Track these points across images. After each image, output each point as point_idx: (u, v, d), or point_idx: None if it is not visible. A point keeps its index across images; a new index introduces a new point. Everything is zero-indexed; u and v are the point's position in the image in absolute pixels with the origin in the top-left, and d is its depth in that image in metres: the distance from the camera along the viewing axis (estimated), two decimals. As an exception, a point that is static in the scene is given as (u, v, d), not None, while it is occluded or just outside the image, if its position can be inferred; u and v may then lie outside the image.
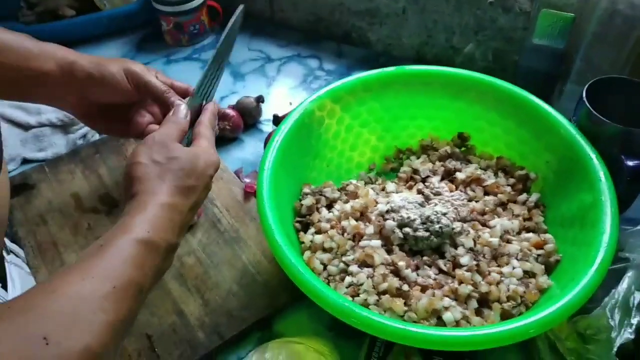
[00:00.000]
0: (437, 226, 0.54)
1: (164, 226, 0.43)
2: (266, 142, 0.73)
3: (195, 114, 0.55)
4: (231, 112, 0.76)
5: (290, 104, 0.84)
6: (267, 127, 0.81)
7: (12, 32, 0.55)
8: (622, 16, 0.65)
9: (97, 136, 0.79)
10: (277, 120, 0.76)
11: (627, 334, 0.48)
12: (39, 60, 0.54)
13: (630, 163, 0.56)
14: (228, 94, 0.87)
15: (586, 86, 0.60)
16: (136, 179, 0.45)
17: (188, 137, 0.53)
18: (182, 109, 0.53)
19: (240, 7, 0.61)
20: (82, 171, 0.73)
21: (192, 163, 0.48)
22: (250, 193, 0.68)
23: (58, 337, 0.33)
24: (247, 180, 0.69)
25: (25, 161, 0.76)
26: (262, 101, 0.80)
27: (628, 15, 0.64)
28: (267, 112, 0.82)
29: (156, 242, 0.42)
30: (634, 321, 0.49)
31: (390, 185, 0.64)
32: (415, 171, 0.66)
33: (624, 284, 0.52)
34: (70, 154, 0.75)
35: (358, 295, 0.52)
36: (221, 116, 0.76)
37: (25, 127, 0.80)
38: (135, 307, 0.40)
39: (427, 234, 0.54)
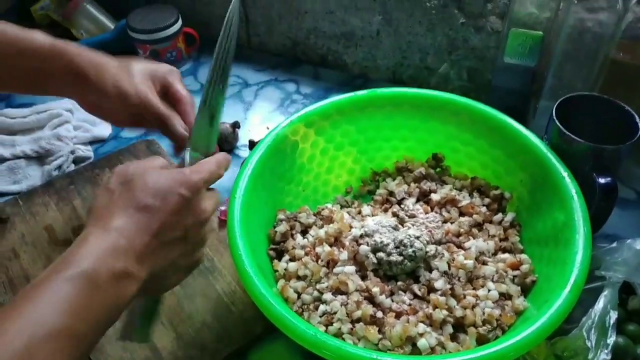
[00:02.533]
0: (410, 250, 0.53)
1: (110, 252, 0.38)
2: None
3: (207, 124, 0.52)
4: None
5: (268, 128, 0.83)
6: (244, 152, 0.81)
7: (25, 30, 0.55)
8: (590, 33, 0.66)
9: (72, 166, 0.79)
10: (252, 145, 0.75)
11: (604, 355, 0.48)
12: (51, 61, 0.54)
13: (601, 180, 0.56)
14: (205, 120, 0.86)
15: (555, 104, 0.61)
16: (89, 212, 0.42)
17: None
18: (185, 156, 0.48)
19: None
20: (56, 203, 0.72)
21: (151, 181, 0.41)
22: (225, 221, 0.67)
23: None
24: (223, 207, 0.69)
25: (-1, 194, 0.75)
26: (239, 127, 0.80)
27: (596, 33, 0.65)
28: (245, 137, 0.82)
29: (94, 272, 0.37)
30: (610, 341, 0.49)
31: (366, 209, 0.64)
32: (391, 193, 0.66)
33: (600, 304, 0.52)
34: (45, 186, 0.74)
35: (332, 324, 0.51)
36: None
37: (0, 160, 0.79)
38: (72, 355, 0.34)
39: (400, 258, 0.53)
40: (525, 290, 0.54)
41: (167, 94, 0.58)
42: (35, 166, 0.79)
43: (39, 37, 0.55)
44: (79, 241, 0.39)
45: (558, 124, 0.58)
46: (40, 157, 0.80)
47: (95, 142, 0.83)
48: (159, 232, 0.41)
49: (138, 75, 0.56)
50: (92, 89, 0.55)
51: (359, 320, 0.50)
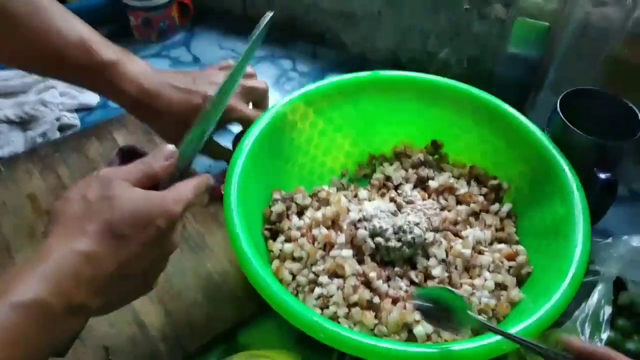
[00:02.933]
0: (409, 236, 0.52)
1: (69, 281, 0.34)
2: (234, 143, 0.71)
3: (196, 149, 0.49)
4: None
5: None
6: (236, 127, 0.78)
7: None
8: (595, 28, 0.65)
9: (57, 134, 0.76)
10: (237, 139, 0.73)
11: (598, 349, 0.48)
12: (118, 81, 0.56)
13: (602, 176, 0.56)
14: (197, 93, 0.84)
15: (560, 97, 0.60)
16: (53, 216, 0.37)
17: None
18: (165, 150, 0.43)
19: (268, 16, 0.56)
20: (40, 171, 0.69)
21: (131, 206, 0.37)
22: (216, 197, 0.65)
23: None
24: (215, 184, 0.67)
25: (-22, 159, 0.72)
26: (233, 102, 0.77)
27: (601, 28, 0.65)
28: (238, 113, 0.80)
29: (47, 302, 0.33)
30: (604, 336, 0.49)
31: (363, 193, 0.63)
32: (388, 178, 0.65)
33: (594, 298, 0.52)
34: (28, 153, 0.71)
35: (328, 307, 0.50)
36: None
37: (-19, 123, 0.75)
38: None
39: (399, 244, 0.52)
40: (520, 282, 0.54)
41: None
42: (18, 132, 0.76)
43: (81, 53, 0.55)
44: (38, 255, 0.35)
45: (562, 117, 0.58)
46: (23, 123, 0.76)
47: (82, 109, 0.80)
48: (125, 263, 0.37)
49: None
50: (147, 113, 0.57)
51: (355, 304, 0.50)
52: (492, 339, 0.43)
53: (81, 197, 0.37)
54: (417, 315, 0.48)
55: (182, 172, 0.46)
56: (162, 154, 0.43)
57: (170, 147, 0.44)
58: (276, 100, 0.63)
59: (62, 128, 0.76)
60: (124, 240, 0.37)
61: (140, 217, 0.37)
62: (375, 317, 0.49)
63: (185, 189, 0.42)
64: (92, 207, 0.37)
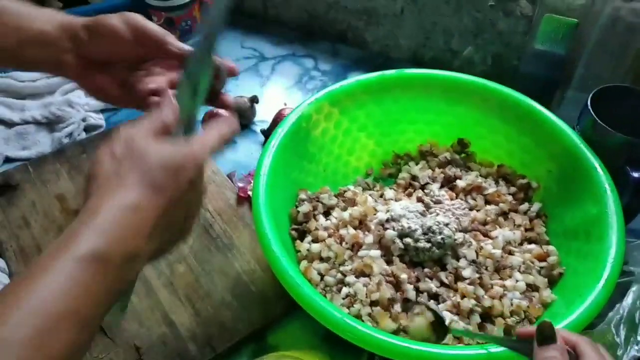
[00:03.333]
0: (439, 237, 0.52)
1: (122, 231, 0.36)
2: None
3: (190, 99, 0.47)
4: (224, 113, 0.74)
5: (285, 104, 0.81)
6: (261, 127, 0.78)
7: None
8: (625, 23, 0.64)
9: (83, 134, 0.76)
10: (267, 134, 0.73)
11: (634, 352, 0.47)
12: (38, 22, 0.50)
13: (635, 174, 0.55)
14: (221, 93, 0.84)
15: (591, 94, 0.59)
16: (91, 178, 0.39)
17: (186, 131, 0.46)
18: (168, 104, 0.44)
19: None
20: (67, 171, 0.70)
21: (162, 157, 0.40)
22: (243, 198, 0.65)
23: None
24: (240, 184, 0.67)
25: (7, 160, 0.73)
26: (257, 101, 0.78)
27: (631, 23, 0.63)
28: (261, 112, 0.80)
29: (107, 253, 0.35)
30: (641, 338, 0.48)
31: (389, 192, 0.62)
32: (414, 177, 0.65)
33: (628, 299, 0.51)
34: (56, 153, 0.72)
35: (353, 306, 0.50)
36: (214, 116, 0.73)
37: (9, 124, 0.76)
38: (82, 339, 0.34)
39: (428, 245, 0.52)
40: (552, 283, 0.53)
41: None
42: (44, 132, 0.77)
43: (45, 25, 0.51)
44: (87, 213, 0.36)
45: (593, 114, 0.57)
46: (50, 123, 0.77)
47: (108, 110, 0.81)
48: (166, 211, 0.39)
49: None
50: (96, 35, 0.50)
51: (377, 302, 0.49)
52: (526, 341, 0.42)
53: (111, 157, 0.39)
54: (449, 317, 0.48)
55: (185, 127, 0.46)
56: (167, 108, 0.44)
57: (171, 99, 0.45)
58: (299, 99, 0.63)
59: (88, 129, 0.77)
60: (161, 189, 0.39)
61: (171, 168, 0.39)
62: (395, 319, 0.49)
63: (209, 136, 0.44)
64: (124, 164, 0.38)
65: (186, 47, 0.50)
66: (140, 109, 0.50)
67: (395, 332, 0.48)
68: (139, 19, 0.51)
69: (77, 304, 0.33)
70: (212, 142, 0.44)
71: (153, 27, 0.51)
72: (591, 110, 0.57)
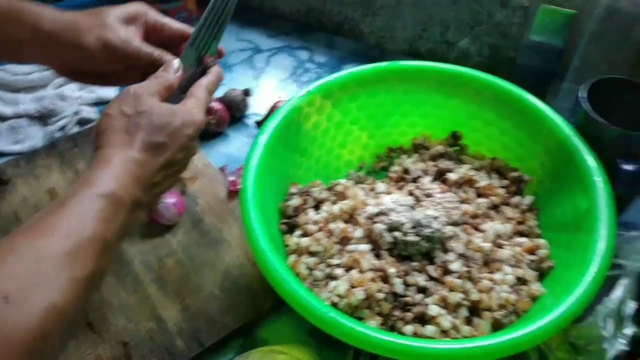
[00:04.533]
0: (427, 231, 0.51)
1: (130, 181, 0.42)
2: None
3: (193, 68, 0.52)
4: (217, 106, 0.73)
5: (280, 97, 0.81)
6: (254, 120, 0.78)
7: None
8: (622, 14, 0.63)
9: (76, 128, 0.76)
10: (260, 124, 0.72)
11: (621, 346, 0.47)
12: (13, 29, 0.50)
13: (628, 167, 0.54)
14: (214, 86, 0.83)
15: (586, 86, 0.58)
16: (102, 131, 0.43)
17: (180, 96, 0.49)
18: (173, 64, 0.49)
19: None
20: (59, 165, 0.70)
21: (165, 118, 0.45)
22: (234, 192, 0.65)
23: (19, 295, 0.32)
24: (232, 177, 0.67)
25: (0, 154, 0.73)
26: (250, 94, 0.77)
27: (629, 13, 0.62)
28: (255, 105, 0.79)
29: (121, 196, 0.40)
30: (627, 331, 0.48)
31: (380, 186, 0.62)
32: (406, 171, 0.64)
33: (617, 292, 0.50)
34: (48, 147, 0.72)
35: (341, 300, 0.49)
36: (207, 109, 0.73)
37: (2, 118, 0.76)
38: (102, 264, 0.38)
39: (417, 238, 0.52)
40: (542, 276, 0.53)
41: (154, 32, 0.54)
42: (37, 126, 0.77)
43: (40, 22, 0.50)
44: (101, 161, 0.41)
45: (588, 106, 0.56)
46: (42, 117, 0.77)
47: (100, 103, 0.81)
48: (164, 166, 0.45)
49: (116, 22, 0.52)
50: (70, 49, 0.51)
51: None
52: (512, 334, 0.42)
53: (120, 113, 0.44)
54: (435, 311, 0.48)
55: (183, 89, 0.51)
56: (172, 67, 0.49)
57: (176, 60, 0.50)
58: (294, 91, 0.62)
59: (80, 122, 0.77)
60: (163, 147, 0.44)
61: (170, 127, 0.45)
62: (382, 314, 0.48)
63: (200, 93, 0.49)
64: (132, 121, 0.44)
65: (175, 60, 0.50)
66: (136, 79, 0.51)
67: (384, 327, 0.48)
68: (120, 47, 0.50)
69: (101, 230, 0.38)
70: (204, 98, 0.49)
71: (140, 52, 0.51)
72: (584, 102, 0.57)
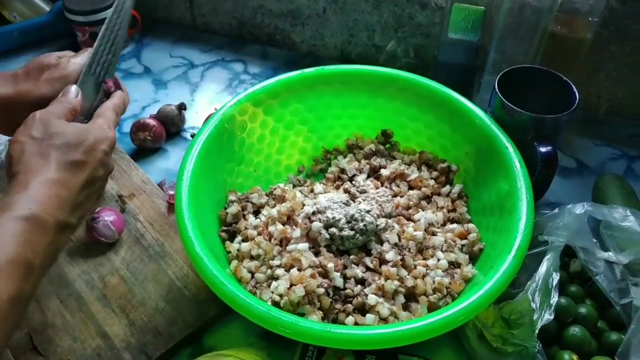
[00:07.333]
0: (361, 224, 0.54)
1: (51, 203, 0.41)
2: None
3: (94, 94, 0.54)
4: (152, 122, 0.74)
5: (215, 109, 0.82)
6: (192, 133, 0.79)
7: None
8: (530, 8, 0.67)
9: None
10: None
11: (547, 315, 0.50)
12: None
13: (542, 149, 0.58)
14: (150, 102, 0.84)
15: (498, 77, 0.62)
16: (15, 158, 0.43)
17: (84, 122, 0.51)
18: (71, 89, 0.50)
19: None
20: None
21: (78, 137, 0.45)
22: (173, 204, 0.65)
23: None
24: (171, 192, 0.67)
25: None
26: (185, 108, 0.78)
27: (535, 7, 0.67)
28: (192, 119, 0.80)
29: (43, 217, 0.40)
30: (553, 302, 0.51)
31: (318, 187, 0.64)
32: (343, 170, 0.66)
33: (543, 267, 0.54)
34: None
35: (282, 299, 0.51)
36: (141, 126, 0.73)
37: None
38: (25, 287, 0.38)
39: (352, 232, 0.54)
40: (474, 258, 0.56)
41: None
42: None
43: None
44: (17, 186, 0.41)
45: (500, 96, 0.60)
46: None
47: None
48: (86, 184, 0.45)
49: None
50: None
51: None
52: (441, 315, 0.44)
53: (30, 138, 0.44)
54: (373, 300, 0.50)
55: (85, 113, 0.52)
56: (71, 92, 0.50)
57: (74, 86, 0.51)
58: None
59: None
60: (82, 164, 0.44)
61: (85, 145, 0.45)
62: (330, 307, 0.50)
63: (107, 113, 0.51)
64: (44, 143, 0.43)
65: (73, 87, 0.51)
66: None
67: (326, 321, 0.50)
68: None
69: (23, 254, 0.38)
70: (112, 117, 0.51)
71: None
72: (498, 92, 0.60)
